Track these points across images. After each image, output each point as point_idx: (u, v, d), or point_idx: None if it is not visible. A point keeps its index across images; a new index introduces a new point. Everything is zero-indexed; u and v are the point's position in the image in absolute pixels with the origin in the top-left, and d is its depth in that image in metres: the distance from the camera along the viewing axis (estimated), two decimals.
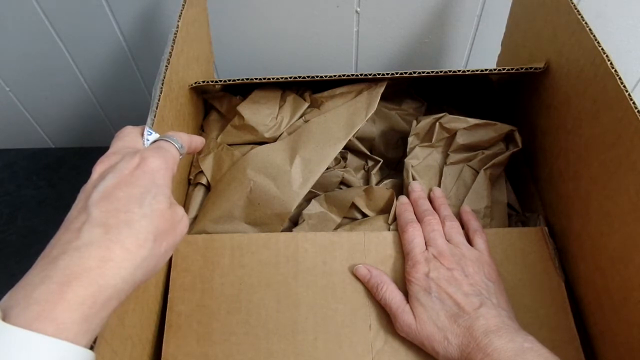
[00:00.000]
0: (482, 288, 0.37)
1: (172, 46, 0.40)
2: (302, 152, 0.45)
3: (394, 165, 0.53)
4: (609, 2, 0.58)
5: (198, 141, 0.34)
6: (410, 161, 0.46)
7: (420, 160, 0.47)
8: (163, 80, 0.37)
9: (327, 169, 0.49)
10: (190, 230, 0.45)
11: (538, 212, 0.46)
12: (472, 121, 0.45)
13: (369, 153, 0.51)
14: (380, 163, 0.50)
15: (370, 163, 0.51)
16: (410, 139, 0.47)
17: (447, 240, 0.40)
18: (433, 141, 0.47)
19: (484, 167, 0.46)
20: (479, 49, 0.65)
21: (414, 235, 0.40)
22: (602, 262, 0.36)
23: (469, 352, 0.32)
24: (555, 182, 0.44)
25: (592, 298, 0.38)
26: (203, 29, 0.53)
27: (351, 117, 0.45)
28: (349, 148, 0.51)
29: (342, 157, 0.50)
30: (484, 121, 0.46)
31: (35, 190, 0.54)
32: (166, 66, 0.38)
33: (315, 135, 0.46)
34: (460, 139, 0.46)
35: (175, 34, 0.41)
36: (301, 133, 0.47)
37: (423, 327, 0.35)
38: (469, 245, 0.40)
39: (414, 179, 0.46)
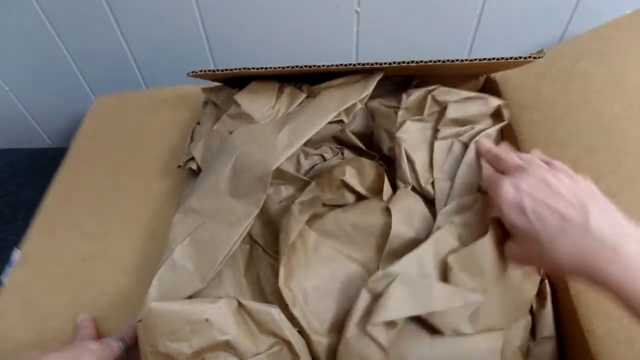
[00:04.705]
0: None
1: None
2: (292, 122, 0.44)
3: (393, 164, 0.53)
4: (608, 2, 0.58)
5: None
6: (402, 135, 0.45)
7: (411, 134, 0.46)
8: None
9: (324, 160, 0.49)
10: (178, 208, 0.44)
11: None
12: (464, 94, 0.46)
13: (364, 148, 0.50)
14: (377, 158, 0.50)
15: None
16: (400, 113, 0.46)
17: None
18: (424, 115, 0.46)
19: (475, 140, 0.45)
20: (479, 49, 0.65)
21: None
22: None
23: None
24: None
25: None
26: None
27: (345, 96, 0.45)
28: (345, 143, 0.51)
29: (340, 151, 0.50)
30: (475, 94, 0.46)
31: (35, 190, 0.55)
32: None
33: (307, 111, 0.45)
34: (451, 113, 0.45)
35: None
36: (294, 112, 0.46)
37: None
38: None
39: (406, 153, 0.45)
